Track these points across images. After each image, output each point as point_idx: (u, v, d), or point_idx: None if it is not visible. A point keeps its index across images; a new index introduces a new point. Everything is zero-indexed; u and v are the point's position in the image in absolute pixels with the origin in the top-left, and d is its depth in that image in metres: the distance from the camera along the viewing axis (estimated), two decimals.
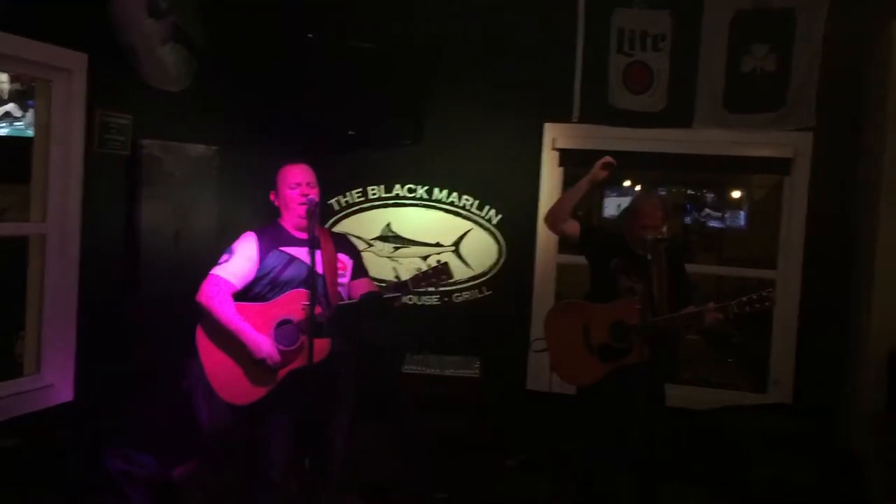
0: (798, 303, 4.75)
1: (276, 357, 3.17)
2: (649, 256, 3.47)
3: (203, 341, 3.25)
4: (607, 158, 3.70)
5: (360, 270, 3.55)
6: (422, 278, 3.30)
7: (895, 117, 4.09)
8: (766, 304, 3.41)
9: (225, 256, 3.29)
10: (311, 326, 3.05)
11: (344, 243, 3.58)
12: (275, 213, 3.43)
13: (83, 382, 3.71)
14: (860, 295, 4.40)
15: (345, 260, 3.47)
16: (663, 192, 8.21)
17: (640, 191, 8.38)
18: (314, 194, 3.31)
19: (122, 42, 3.78)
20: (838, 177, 4.67)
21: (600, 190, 8.14)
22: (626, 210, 3.89)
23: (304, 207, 3.23)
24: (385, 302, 3.30)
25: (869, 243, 4.25)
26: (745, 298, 3.44)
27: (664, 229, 3.72)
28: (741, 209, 8.65)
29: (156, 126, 4.03)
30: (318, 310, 3.11)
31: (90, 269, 3.70)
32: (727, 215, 8.89)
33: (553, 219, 3.87)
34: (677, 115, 4.83)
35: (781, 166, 4.80)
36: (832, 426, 4.38)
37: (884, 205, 4.13)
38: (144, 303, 4.03)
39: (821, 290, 4.70)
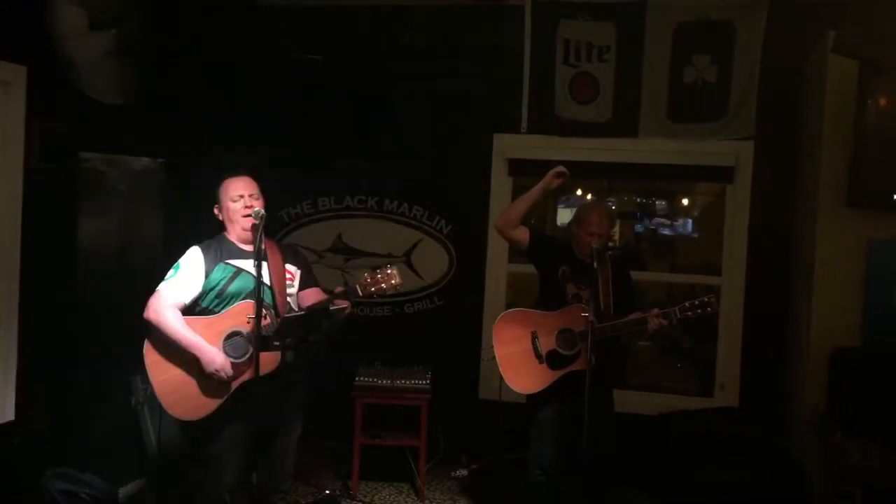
0: (742, 308, 4.85)
1: (229, 369, 3.15)
2: (595, 264, 3.51)
3: (151, 357, 3.22)
4: (560, 168, 3.75)
5: (309, 280, 3.53)
6: (371, 284, 3.30)
7: (831, 125, 4.20)
8: (708, 309, 3.47)
9: (171, 272, 3.27)
10: (257, 338, 3.04)
11: (292, 254, 3.57)
12: (219, 226, 3.41)
13: (24, 401, 3.62)
14: (800, 299, 4.50)
15: (293, 270, 3.45)
16: (612, 200, 8.30)
17: (586, 199, 8.46)
18: (259, 205, 3.29)
19: (64, 54, 3.72)
20: (779, 184, 4.79)
21: (553, 199, 8.20)
22: (573, 219, 3.93)
23: (249, 219, 3.22)
24: (332, 311, 3.29)
25: (808, 249, 4.36)
26: (687, 304, 3.50)
27: (611, 237, 3.77)
28: (690, 217, 8.78)
29: (98, 139, 3.98)
30: (266, 321, 3.10)
31: (31, 285, 3.63)
32: (676, 223, 9.02)
33: (504, 224, 3.90)
34: (623, 124, 4.90)
35: (724, 175, 4.91)
36: (776, 429, 4.47)
37: (822, 211, 4.24)
38: (87, 319, 3.96)
39: (764, 296, 4.81)
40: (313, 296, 3.45)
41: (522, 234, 3.87)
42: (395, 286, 3.34)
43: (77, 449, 3.79)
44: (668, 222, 9.12)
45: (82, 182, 3.90)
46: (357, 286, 3.30)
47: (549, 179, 3.75)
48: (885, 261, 4.12)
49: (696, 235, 8.47)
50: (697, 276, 5.41)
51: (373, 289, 3.31)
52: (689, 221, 8.73)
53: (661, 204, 9.21)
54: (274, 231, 5.04)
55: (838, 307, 4.19)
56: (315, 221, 5.27)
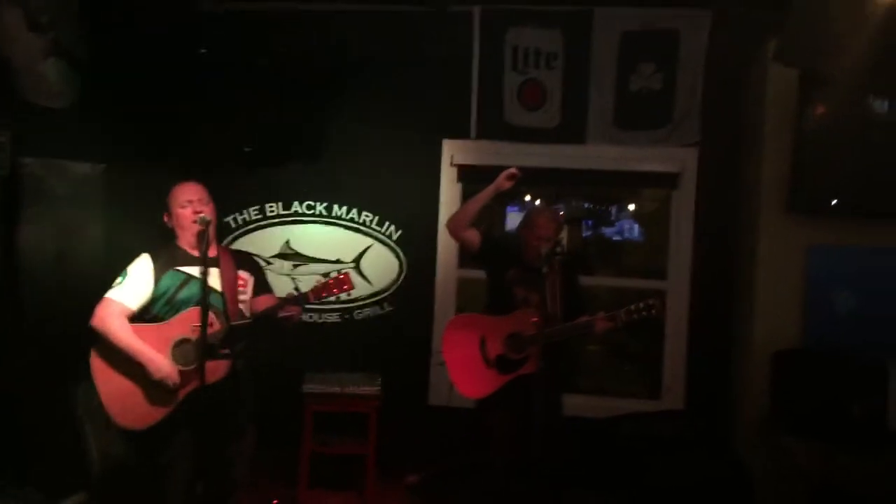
0: (687, 312, 4.93)
1: (175, 377, 3.12)
2: (544, 269, 3.54)
3: (98, 365, 3.19)
4: (512, 170, 3.77)
5: (261, 287, 3.51)
6: (322, 289, 3.29)
7: (772, 132, 4.29)
8: (653, 311, 3.53)
9: (119, 279, 3.23)
10: (203, 346, 3.00)
11: (244, 260, 3.55)
12: (169, 233, 3.35)
13: None
14: (743, 303, 4.60)
15: (245, 277, 3.42)
16: (560, 206, 8.39)
17: (534, 204, 8.53)
18: (207, 212, 3.27)
19: (0, 57, 3.62)
20: (722, 190, 4.87)
21: (501, 204, 8.25)
22: (521, 223, 3.96)
23: (197, 226, 3.19)
24: (281, 318, 3.27)
25: (751, 253, 4.45)
26: (632, 307, 3.56)
27: (559, 242, 3.80)
28: (636, 222, 8.92)
29: (37, 144, 3.86)
30: (214, 328, 3.07)
31: None
32: (624, 228, 9.16)
33: (455, 225, 3.90)
34: (571, 131, 4.95)
35: (669, 181, 4.99)
36: (721, 431, 4.55)
37: (763, 216, 4.33)
38: (27, 328, 3.84)
39: (708, 300, 4.89)
40: (266, 302, 3.43)
41: (473, 236, 3.88)
42: (346, 290, 3.33)
43: (16, 462, 3.67)
44: (614, 227, 9.26)
45: (22, 188, 3.79)
46: (308, 292, 3.28)
47: (501, 181, 3.78)
48: (825, 265, 4.23)
49: (642, 240, 8.62)
50: (644, 281, 5.49)
51: (324, 294, 3.30)
52: (636, 226, 8.88)
53: (608, 209, 9.35)
54: (220, 237, 4.97)
55: (780, 311, 4.28)
56: (263, 227, 5.21)
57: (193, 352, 3.13)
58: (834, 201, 4.09)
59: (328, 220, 5.19)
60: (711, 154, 4.88)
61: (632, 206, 9.02)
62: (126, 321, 3.16)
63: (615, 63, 4.87)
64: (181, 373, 3.13)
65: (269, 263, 5.11)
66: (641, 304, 3.54)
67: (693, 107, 4.80)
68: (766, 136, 4.34)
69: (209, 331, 3.05)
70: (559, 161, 5.01)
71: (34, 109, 3.85)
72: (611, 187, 7.76)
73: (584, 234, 9.13)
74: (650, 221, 7.84)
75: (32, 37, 3.75)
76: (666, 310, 4.84)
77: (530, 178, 4.97)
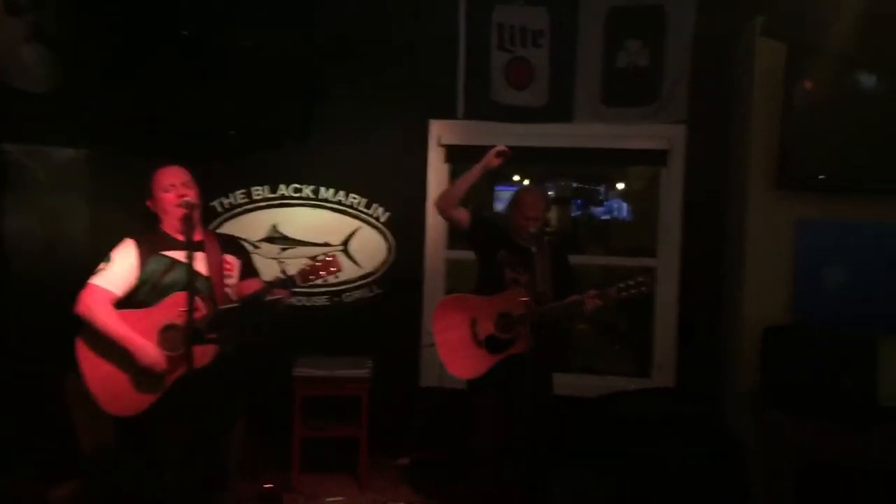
0: (677, 289, 4.94)
1: (163, 363, 3.09)
2: (533, 248, 3.53)
3: (84, 353, 3.14)
4: (501, 147, 3.74)
5: (248, 270, 3.47)
6: (309, 272, 3.26)
7: (760, 108, 4.28)
8: (643, 289, 3.53)
9: (103, 265, 3.18)
10: (190, 331, 2.98)
11: (230, 243, 3.51)
12: (153, 218, 3.32)
13: None
14: (733, 279, 4.60)
15: (232, 261, 3.39)
16: (549, 185, 8.39)
17: (522, 184, 8.53)
18: (191, 195, 3.23)
19: None
20: (711, 167, 4.86)
21: (490, 184, 8.23)
22: (509, 203, 3.94)
23: (181, 209, 3.15)
24: (269, 302, 3.24)
25: (740, 230, 4.45)
26: (622, 285, 3.56)
27: (548, 221, 3.79)
28: (625, 200, 8.93)
29: (19, 130, 3.82)
30: (200, 313, 3.04)
31: None
32: (612, 207, 9.17)
33: (444, 203, 3.87)
34: (558, 109, 4.93)
35: (658, 158, 4.97)
36: (712, 408, 4.56)
37: (752, 192, 4.33)
38: (13, 315, 3.82)
39: (698, 276, 4.89)
40: (254, 286, 3.38)
41: (462, 215, 3.86)
42: (335, 273, 3.30)
43: (6, 451, 3.66)
44: (603, 206, 9.27)
45: (4, 175, 3.75)
46: (297, 274, 3.25)
47: (490, 158, 3.75)
48: (813, 241, 4.23)
49: (630, 219, 8.63)
50: (633, 259, 5.48)
51: (312, 276, 3.27)
52: (625, 205, 8.88)
53: (596, 188, 9.36)
54: (206, 221, 4.93)
55: (769, 287, 4.29)
56: (249, 211, 5.17)
57: (180, 337, 3.10)
58: (822, 176, 4.09)
59: (315, 202, 5.16)
60: (699, 130, 4.86)
61: (620, 185, 9.02)
62: (112, 307, 3.12)
63: (602, 40, 4.84)
64: (168, 358, 3.10)
65: (256, 247, 5.07)
66: (632, 282, 3.54)
67: (681, 83, 4.77)
68: (753, 112, 4.32)
69: (196, 315, 3.02)
70: (547, 140, 4.99)
71: (15, 95, 3.79)
72: (599, 166, 7.76)
73: (572, 214, 9.14)
74: (638, 199, 7.84)
75: (11, 20, 3.69)
76: (656, 287, 4.85)
77: (518, 158, 4.99)
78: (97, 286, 3.13)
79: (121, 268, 3.17)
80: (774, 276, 4.28)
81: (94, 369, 3.12)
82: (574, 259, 4.26)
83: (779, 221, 4.28)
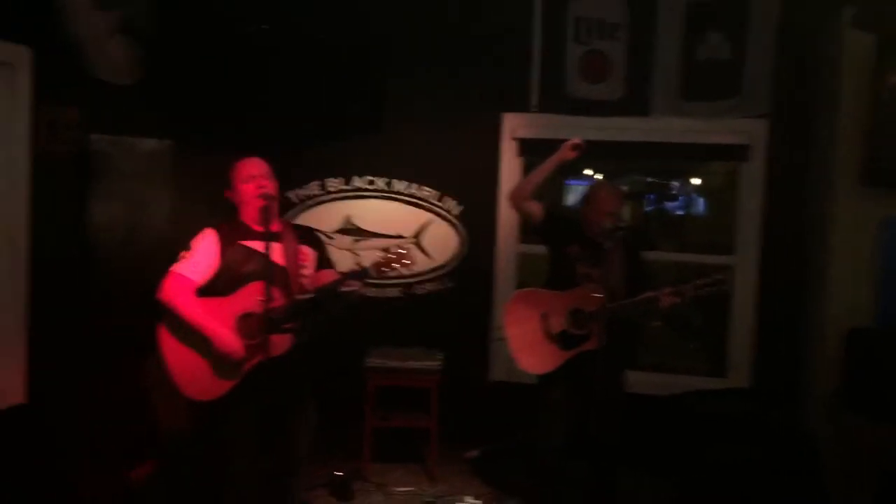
0: (755, 287, 4.81)
1: (241, 351, 3.16)
2: (606, 244, 3.48)
3: (166, 339, 3.24)
4: (576, 140, 3.70)
5: (324, 262, 3.52)
6: (383, 264, 3.28)
7: (847, 103, 4.14)
8: (722, 286, 3.46)
9: (184, 253, 3.27)
10: (266, 320, 3.03)
11: (307, 235, 3.56)
12: (233, 208, 3.39)
13: (35, 385, 3.62)
14: (817, 278, 4.46)
15: (307, 251, 3.44)
16: (623, 180, 8.26)
17: (597, 179, 8.42)
18: (270, 187, 3.30)
19: (69, 35, 3.68)
20: (793, 162, 4.73)
21: (561, 179, 8.15)
22: (584, 198, 3.90)
23: (261, 201, 3.22)
24: (343, 293, 3.27)
25: (823, 228, 4.31)
26: (699, 282, 3.49)
27: (621, 217, 3.74)
28: (701, 196, 8.74)
29: (106, 121, 3.93)
30: (277, 303, 3.10)
31: (40, 270, 3.61)
32: (688, 202, 8.98)
33: (517, 196, 3.85)
34: (634, 103, 4.86)
35: (738, 153, 4.84)
36: (790, 409, 4.44)
37: (837, 190, 4.19)
38: (98, 302, 3.94)
39: (778, 275, 4.76)
40: (328, 277, 3.43)
41: (535, 208, 3.83)
42: (408, 265, 3.32)
43: (88, 432, 3.78)
44: (677, 201, 9.08)
45: (91, 165, 3.87)
46: (371, 266, 3.28)
47: (565, 151, 3.72)
48: None
49: (706, 215, 8.44)
50: (708, 256, 5.37)
51: (386, 268, 3.29)
52: (700, 200, 8.69)
53: (671, 183, 9.17)
54: (282, 212, 5.02)
55: (853, 287, 4.15)
56: (324, 202, 5.24)
57: (257, 326, 3.16)
58: None
59: (388, 195, 5.21)
60: (782, 125, 4.72)
61: (695, 180, 8.83)
62: (193, 295, 3.21)
63: (681, 32, 4.75)
64: (245, 346, 3.17)
65: (330, 238, 5.15)
66: (710, 280, 3.48)
67: (763, 76, 4.65)
68: (840, 107, 4.18)
69: (272, 305, 3.07)
70: (622, 134, 4.91)
71: (102, 87, 3.91)
72: (676, 161, 7.59)
73: (646, 209, 8.99)
74: (714, 195, 7.67)
75: (100, 14, 3.80)
76: (733, 285, 4.74)
77: (592, 152, 4.94)
78: (179, 274, 3.22)
79: (201, 256, 3.26)
80: (858, 277, 4.15)
81: (175, 355, 3.22)
82: (648, 255, 4.19)
83: (864, 219, 4.15)
